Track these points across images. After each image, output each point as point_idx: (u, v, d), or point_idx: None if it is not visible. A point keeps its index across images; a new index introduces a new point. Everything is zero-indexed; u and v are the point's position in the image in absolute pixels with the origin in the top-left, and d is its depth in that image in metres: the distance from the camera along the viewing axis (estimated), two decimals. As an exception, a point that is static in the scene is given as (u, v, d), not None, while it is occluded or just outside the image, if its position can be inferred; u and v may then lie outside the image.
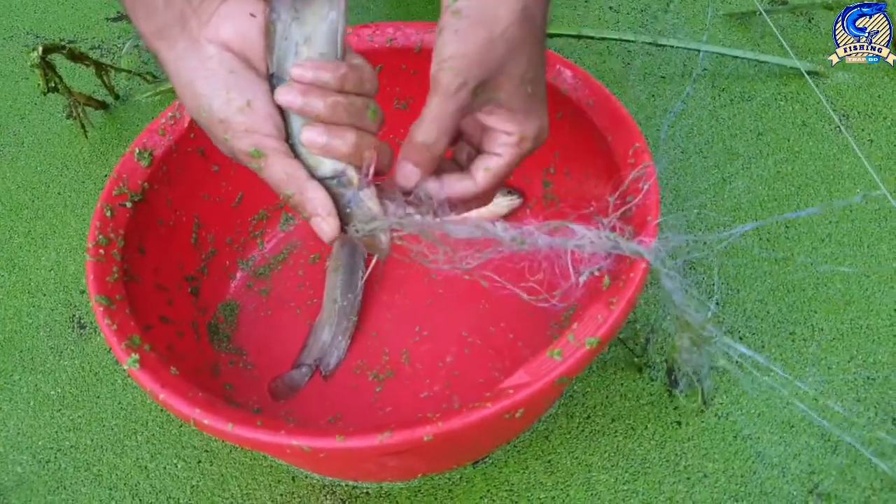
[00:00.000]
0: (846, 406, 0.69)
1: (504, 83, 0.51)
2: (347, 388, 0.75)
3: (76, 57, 0.97)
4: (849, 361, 0.72)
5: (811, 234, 0.82)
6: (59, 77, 0.95)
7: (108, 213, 0.68)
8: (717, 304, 0.77)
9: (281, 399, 0.74)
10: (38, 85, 0.95)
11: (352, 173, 0.52)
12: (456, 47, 0.50)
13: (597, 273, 0.58)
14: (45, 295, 0.88)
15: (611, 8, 1.08)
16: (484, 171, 0.55)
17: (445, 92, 0.50)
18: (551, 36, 0.99)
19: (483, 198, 0.57)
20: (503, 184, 0.57)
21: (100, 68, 1.01)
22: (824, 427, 0.68)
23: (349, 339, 0.77)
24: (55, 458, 0.75)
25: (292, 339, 0.78)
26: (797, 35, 1.00)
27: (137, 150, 0.72)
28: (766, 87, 0.96)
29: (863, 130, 0.90)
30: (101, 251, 0.65)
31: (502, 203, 0.83)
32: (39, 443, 0.77)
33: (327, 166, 0.52)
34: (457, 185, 0.56)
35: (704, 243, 0.80)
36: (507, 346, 0.75)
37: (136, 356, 0.57)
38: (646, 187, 0.61)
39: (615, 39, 0.99)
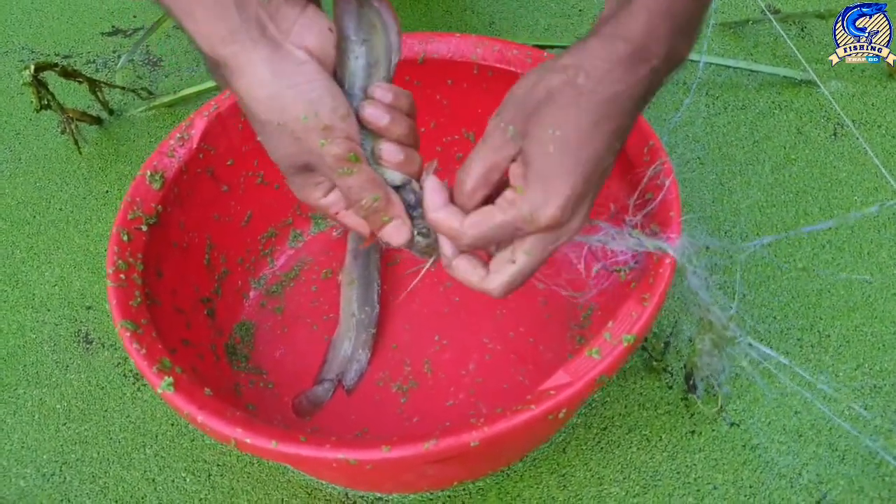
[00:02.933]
0: (853, 415, 0.71)
1: (533, 132, 0.49)
2: (371, 401, 0.75)
3: (69, 74, 0.97)
4: (856, 369, 0.74)
5: (812, 240, 0.84)
6: (52, 95, 0.95)
7: (125, 238, 0.67)
8: (739, 302, 0.79)
9: (305, 416, 0.75)
10: (32, 102, 0.95)
11: (415, 184, 0.55)
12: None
13: (627, 271, 0.59)
14: (49, 310, 0.87)
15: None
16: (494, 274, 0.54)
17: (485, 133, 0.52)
18: (544, 47, 1.00)
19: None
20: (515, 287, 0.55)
21: (93, 85, 1.01)
22: (842, 431, 0.70)
23: (370, 351, 0.78)
24: (60, 471, 0.75)
25: (311, 356, 0.79)
26: (790, 44, 1.02)
27: (149, 174, 0.72)
28: (760, 95, 0.98)
29: (857, 138, 0.92)
30: (122, 276, 0.64)
31: None
32: (44, 456, 0.76)
33: (397, 176, 0.55)
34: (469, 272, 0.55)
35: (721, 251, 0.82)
36: (528, 351, 0.76)
37: (169, 379, 0.57)
38: (667, 183, 0.62)
39: None
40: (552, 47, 1.02)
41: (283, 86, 0.49)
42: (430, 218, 0.54)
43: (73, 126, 0.99)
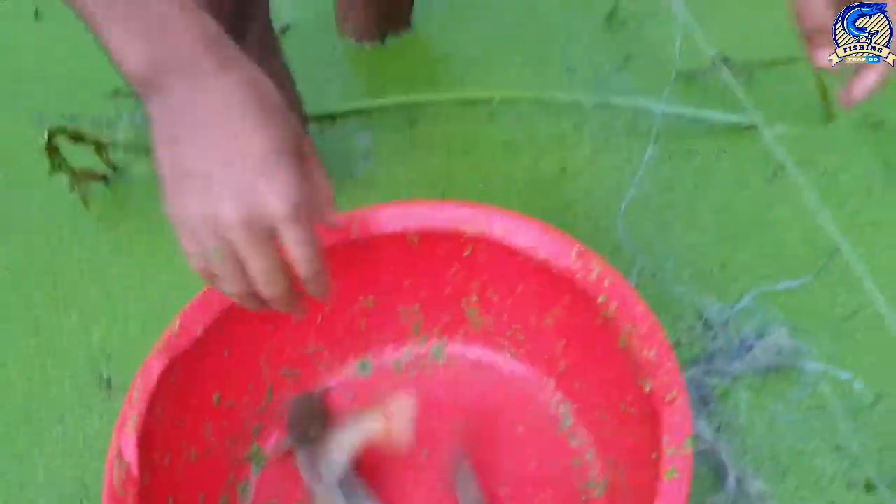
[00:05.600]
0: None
1: None
2: None
3: (76, 137, 1.06)
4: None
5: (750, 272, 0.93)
6: (63, 158, 1.05)
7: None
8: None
9: None
10: (45, 164, 1.04)
11: None
12: None
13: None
14: (70, 357, 0.96)
15: (568, 69, 1.19)
16: None
17: None
18: (506, 102, 1.10)
19: None
20: None
21: (99, 146, 1.10)
22: None
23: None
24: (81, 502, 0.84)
25: None
26: (738, 91, 1.11)
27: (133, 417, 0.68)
28: (706, 142, 1.07)
29: (796, 180, 1.02)
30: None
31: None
32: (68, 490, 0.85)
33: None
34: None
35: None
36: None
37: None
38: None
39: (569, 100, 1.11)
40: (515, 101, 1.12)
41: None
42: None
43: (81, 185, 1.09)
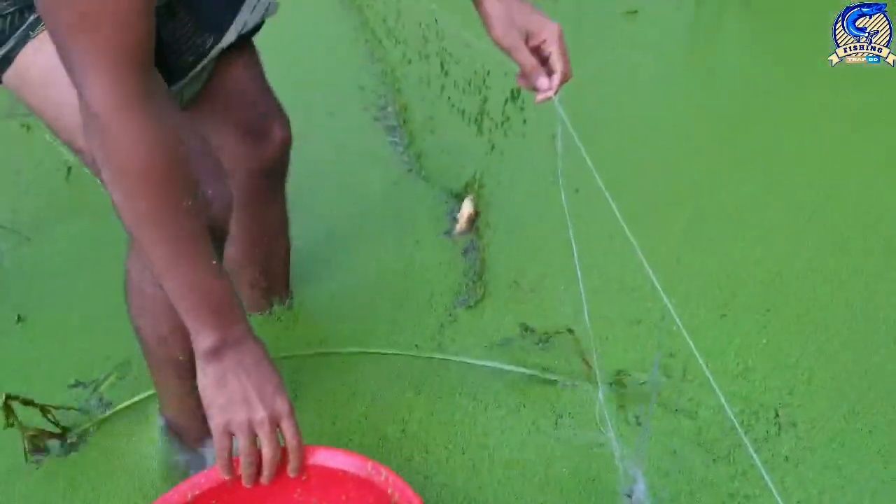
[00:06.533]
0: None
1: None
2: None
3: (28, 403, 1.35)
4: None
5: None
6: (17, 418, 1.33)
7: None
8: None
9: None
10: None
11: None
12: None
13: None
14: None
15: (395, 322, 1.58)
16: None
17: None
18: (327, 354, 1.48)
19: None
20: None
21: (44, 410, 1.39)
22: None
23: None
24: None
25: None
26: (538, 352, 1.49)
27: None
28: (509, 392, 1.43)
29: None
30: None
31: None
32: None
33: None
34: None
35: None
36: None
37: None
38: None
39: (396, 354, 1.50)
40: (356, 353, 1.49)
41: None
42: None
43: (34, 444, 1.38)
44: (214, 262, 0.99)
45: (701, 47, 2.96)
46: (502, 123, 2.23)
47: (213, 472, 1.08)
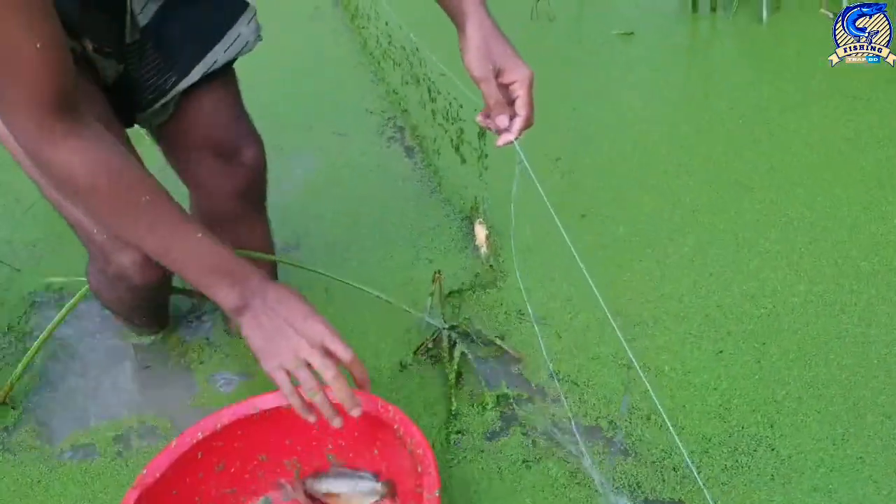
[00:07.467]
0: None
1: None
2: None
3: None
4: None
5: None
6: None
7: None
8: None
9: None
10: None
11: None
12: None
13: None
14: None
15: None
16: None
17: None
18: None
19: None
20: None
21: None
22: None
23: None
24: None
25: None
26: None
27: None
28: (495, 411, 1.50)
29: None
30: None
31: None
32: None
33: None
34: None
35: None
36: None
37: None
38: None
39: None
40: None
41: None
42: None
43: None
44: (200, 234, 1.04)
45: (696, 70, 2.96)
46: (479, 159, 2.19)
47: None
